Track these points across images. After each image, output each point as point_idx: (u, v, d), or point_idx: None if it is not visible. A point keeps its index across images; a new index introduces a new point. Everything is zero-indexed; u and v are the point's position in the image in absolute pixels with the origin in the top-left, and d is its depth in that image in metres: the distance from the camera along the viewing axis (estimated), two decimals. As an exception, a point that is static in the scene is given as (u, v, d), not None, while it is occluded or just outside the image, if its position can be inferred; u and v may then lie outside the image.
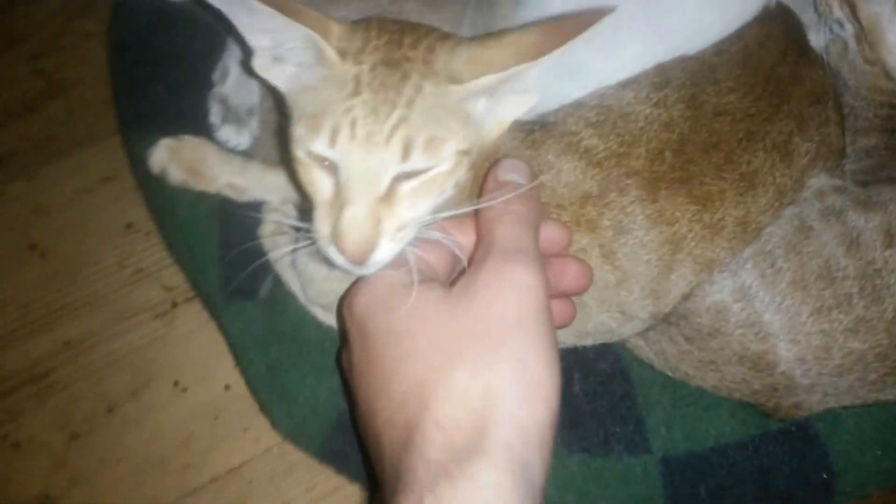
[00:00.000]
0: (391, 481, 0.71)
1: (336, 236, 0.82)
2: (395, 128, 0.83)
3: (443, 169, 0.85)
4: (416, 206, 0.85)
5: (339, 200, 0.84)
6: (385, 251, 0.83)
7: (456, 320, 0.75)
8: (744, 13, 1.10)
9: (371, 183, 0.83)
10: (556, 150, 1.01)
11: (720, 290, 1.05)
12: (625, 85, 1.06)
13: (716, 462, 1.14)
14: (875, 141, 1.19)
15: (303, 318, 1.18)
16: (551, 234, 0.91)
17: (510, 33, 0.87)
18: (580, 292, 0.94)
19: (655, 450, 1.14)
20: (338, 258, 0.84)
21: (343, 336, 0.90)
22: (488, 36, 0.93)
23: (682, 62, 1.07)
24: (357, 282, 0.86)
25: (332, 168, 0.85)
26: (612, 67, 1.08)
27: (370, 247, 0.82)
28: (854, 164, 1.17)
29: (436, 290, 0.79)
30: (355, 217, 0.82)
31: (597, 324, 1.07)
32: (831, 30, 1.21)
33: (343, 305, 0.88)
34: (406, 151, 0.83)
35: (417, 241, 0.86)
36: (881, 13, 1.14)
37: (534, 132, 1.03)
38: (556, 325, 0.90)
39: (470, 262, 0.82)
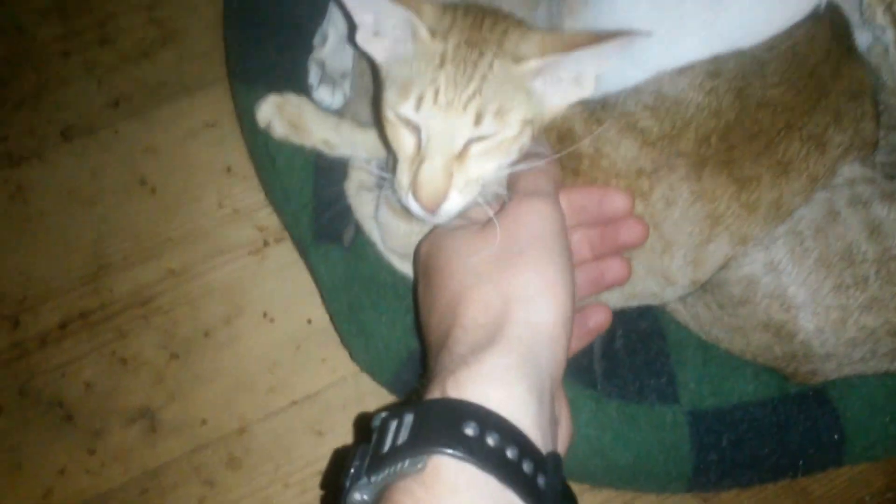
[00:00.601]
0: (433, 377, 0.81)
1: (414, 187, 0.92)
2: (470, 98, 0.91)
3: (508, 134, 0.93)
4: (483, 165, 0.94)
5: (419, 157, 0.93)
6: (454, 202, 0.93)
7: (485, 246, 0.88)
8: (796, 13, 1.16)
9: (447, 143, 0.92)
10: (617, 128, 1.09)
11: (752, 263, 1.11)
12: (681, 72, 1.13)
13: (738, 417, 1.20)
14: (905, 138, 1.22)
15: (380, 265, 1.25)
16: (617, 202, 1.03)
17: (571, 32, 0.98)
18: (637, 244, 1.04)
19: (684, 402, 1.21)
20: (414, 206, 0.94)
21: (415, 286, 1.02)
22: (556, 30, 1.05)
23: (736, 56, 1.14)
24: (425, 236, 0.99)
25: (416, 129, 0.94)
26: (671, 57, 1.14)
27: (442, 197, 0.92)
28: (885, 157, 1.20)
29: (473, 229, 0.92)
30: (432, 171, 0.92)
31: (643, 287, 1.15)
32: (874, 33, 1.24)
33: (414, 257, 1.02)
34: (478, 118, 0.91)
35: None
36: (920, 24, 1.18)
37: (596, 112, 1.11)
38: (611, 283, 1.04)
39: None
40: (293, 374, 1.43)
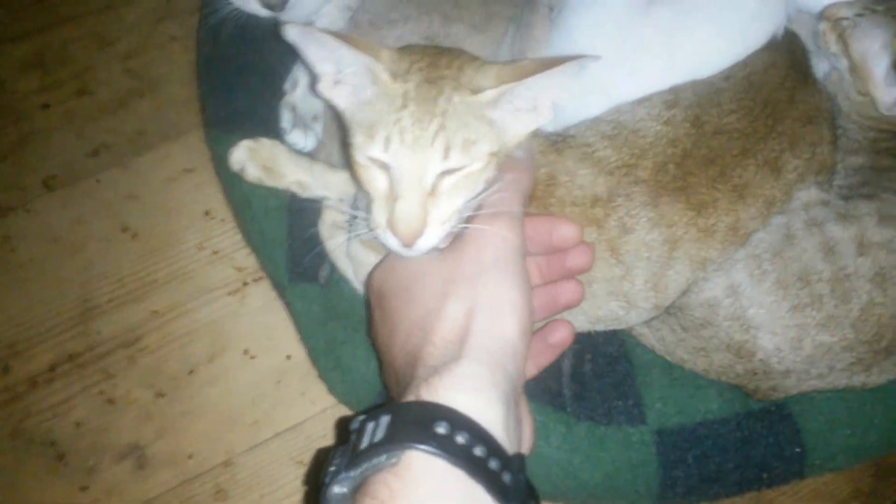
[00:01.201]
0: (402, 390, 0.86)
1: (392, 224, 0.94)
2: (436, 133, 0.94)
3: (476, 167, 0.96)
4: (455, 200, 0.96)
5: (393, 195, 0.95)
6: (430, 237, 0.95)
7: (448, 268, 0.92)
8: (753, 43, 1.20)
9: (419, 179, 0.94)
10: (574, 158, 1.13)
11: (713, 287, 1.14)
12: (640, 102, 1.17)
13: (703, 434, 1.23)
14: (862, 160, 1.26)
15: (355, 301, 1.28)
16: (565, 232, 1.05)
17: (525, 61, 1.01)
18: (584, 270, 1.07)
19: (651, 422, 1.23)
20: (392, 242, 0.95)
21: (369, 313, 1.06)
22: (512, 61, 1.09)
23: (693, 85, 1.17)
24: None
25: (386, 168, 0.96)
26: (631, 87, 1.18)
27: (419, 232, 0.94)
28: (842, 179, 1.25)
29: (433, 252, 0.96)
30: (407, 208, 0.94)
31: (606, 311, 1.18)
32: (829, 61, 1.28)
33: (366, 286, 1.06)
34: (446, 151, 0.94)
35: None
36: (869, 51, 1.23)
37: (557, 142, 1.14)
38: (566, 305, 1.06)
39: None
40: (275, 407, 1.47)
